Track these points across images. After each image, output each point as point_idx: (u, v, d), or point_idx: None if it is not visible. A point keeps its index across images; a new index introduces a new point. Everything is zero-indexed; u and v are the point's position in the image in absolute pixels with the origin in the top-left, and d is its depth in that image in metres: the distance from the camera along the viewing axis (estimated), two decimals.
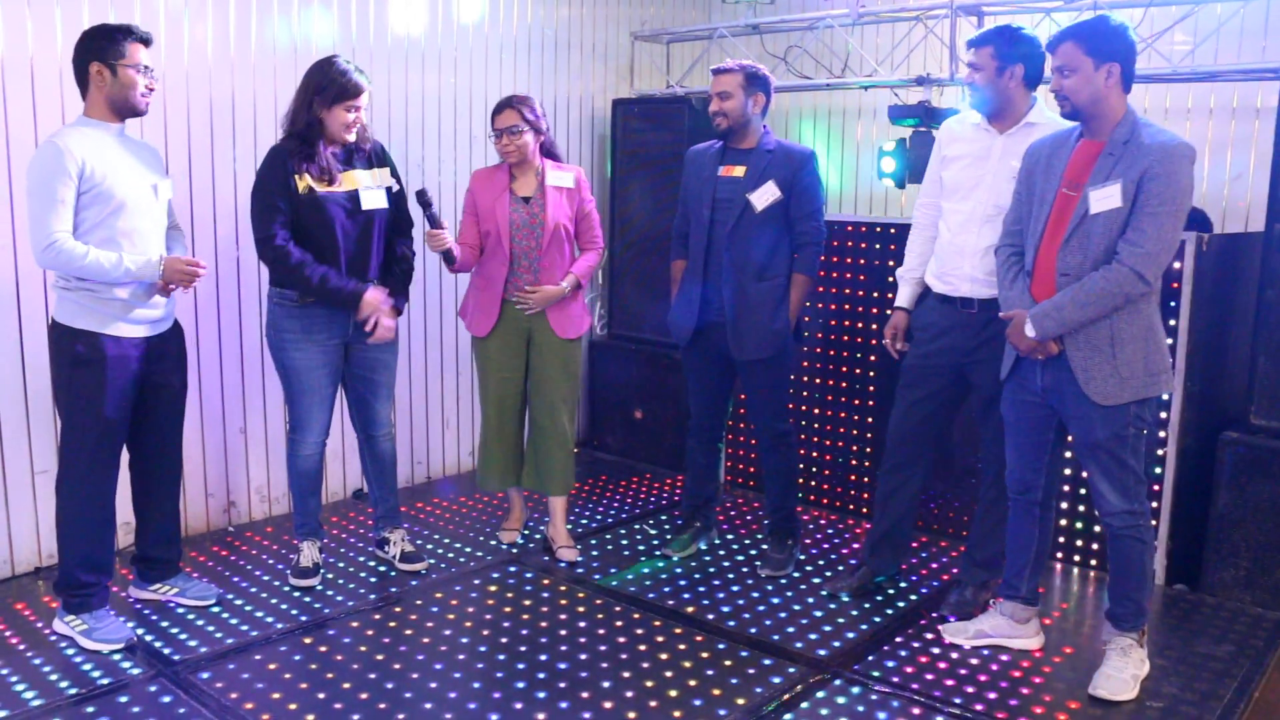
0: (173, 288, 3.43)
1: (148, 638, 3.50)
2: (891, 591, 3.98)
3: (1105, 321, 3.07)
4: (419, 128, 5.07)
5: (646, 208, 5.64)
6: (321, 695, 3.15)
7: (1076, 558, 4.26)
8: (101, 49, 3.30)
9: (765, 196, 3.92)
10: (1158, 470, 4.00)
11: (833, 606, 3.85)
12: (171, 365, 3.58)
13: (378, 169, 3.88)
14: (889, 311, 3.95)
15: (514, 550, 4.37)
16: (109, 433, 3.41)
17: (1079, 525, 4.25)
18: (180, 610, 3.71)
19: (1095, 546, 4.20)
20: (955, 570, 4.18)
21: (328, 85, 3.69)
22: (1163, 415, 3.97)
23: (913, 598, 3.94)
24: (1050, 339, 3.13)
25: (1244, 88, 4.85)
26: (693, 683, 3.27)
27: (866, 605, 3.86)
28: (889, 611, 3.82)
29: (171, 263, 3.39)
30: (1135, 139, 3.02)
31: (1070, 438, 3.36)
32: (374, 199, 3.81)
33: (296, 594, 3.88)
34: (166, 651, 3.41)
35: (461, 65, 5.22)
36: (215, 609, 3.73)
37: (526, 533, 4.53)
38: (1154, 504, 4.02)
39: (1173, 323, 3.89)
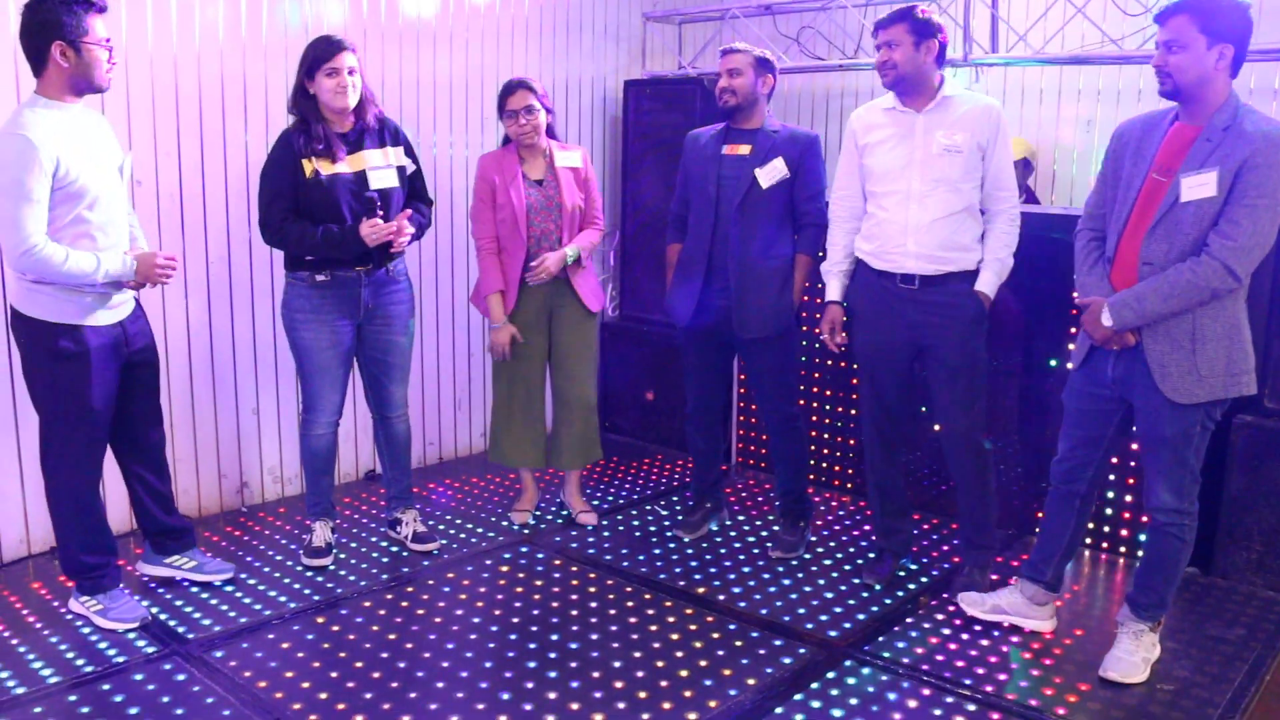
0: (149, 285, 3.40)
1: (162, 616, 3.53)
2: (903, 574, 3.98)
3: (1187, 316, 2.95)
4: (430, 109, 5.06)
5: (658, 189, 5.62)
6: (334, 674, 3.17)
7: (1090, 540, 4.24)
8: (62, 25, 3.08)
9: (773, 173, 3.92)
10: None
11: (843, 588, 3.86)
12: (146, 341, 3.55)
13: (391, 148, 3.86)
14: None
15: (525, 531, 4.38)
16: (97, 423, 3.38)
17: (1103, 512, 4.20)
18: (194, 589, 3.74)
19: (1111, 530, 4.19)
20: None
21: (305, 56, 3.69)
22: None
23: (923, 580, 3.95)
24: (1128, 329, 3.04)
25: (1261, 68, 4.79)
26: (703, 663, 3.28)
27: (877, 587, 3.87)
28: (900, 593, 3.82)
29: (145, 260, 3.34)
30: (1236, 125, 2.86)
31: (1135, 430, 3.25)
32: (383, 179, 3.79)
33: (309, 574, 3.90)
34: (180, 630, 3.44)
35: (473, 46, 5.21)
36: (229, 588, 3.75)
37: (538, 513, 4.54)
38: None
39: None
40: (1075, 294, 3.28)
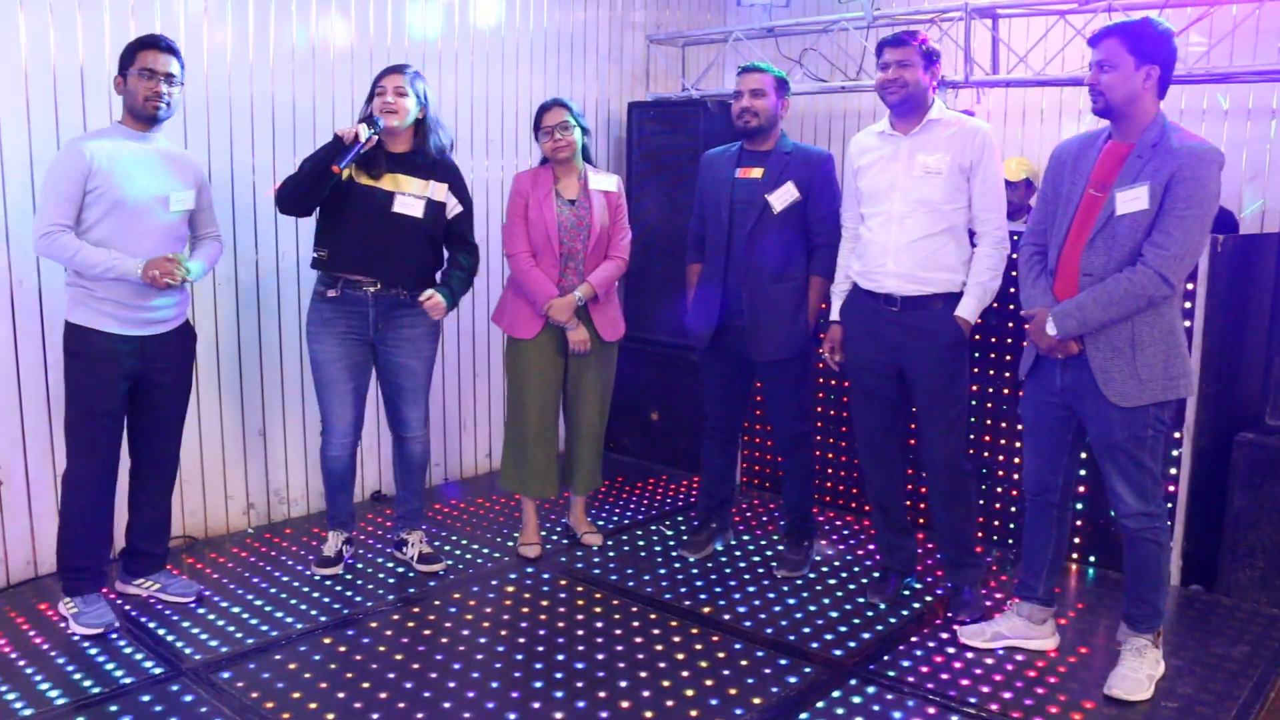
0: (165, 282, 3.47)
1: (168, 637, 3.54)
2: (907, 593, 3.99)
3: (1126, 323, 3.07)
4: None
5: (662, 210, 5.66)
6: (341, 694, 3.18)
7: (1093, 558, 4.26)
8: (122, 60, 3.51)
9: (784, 197, 3.94)
10: (1173, 471, 4.00)
11: (848, 607, 3.87)
12: (168, 365, 3.66)
13: (436, 183, 3.90)
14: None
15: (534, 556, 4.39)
16: (97, 424, 3.53)
17: (1095, 526, 4.24)
18: (200, 610, 3.76)
19: (1111, 547, 4.20)
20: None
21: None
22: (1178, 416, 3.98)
23: (928, 598, 3.95)
24: (1071, 338, 3.14)
25: (1259, 89, 4.84)
26: (709, 682, 3.28)
27: (882, 606, 3.87)
28: (904, 612, 3.83)
29: (151, 261, 3.47)
30: (1164, 142, 3.03)
31: (1088, 439, 3.35)
32: (407, 205, 3.84)
33: (315, 594, 3.91)
34: (187, 651, 3.45)
35: (478, 69, 5.25)
36: (236, 609, 3.77)
37: (543, 533, 4.55)
38: (1170, 505, 4.02)
39: (1187, 324, 3.88)
40: (1021, 307, 3.36)
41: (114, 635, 3.53)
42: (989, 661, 3.44)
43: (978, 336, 4.29)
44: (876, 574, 4.07)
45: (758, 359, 4.04)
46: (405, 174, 3.85)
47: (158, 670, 3.32)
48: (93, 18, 3.93)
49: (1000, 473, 4.45)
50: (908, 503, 4.09)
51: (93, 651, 3.43)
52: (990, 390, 4.39)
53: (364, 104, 3.91)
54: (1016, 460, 4.43)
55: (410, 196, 3.84)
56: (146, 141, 3.54)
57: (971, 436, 4.43)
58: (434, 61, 5.06)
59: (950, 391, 3.70)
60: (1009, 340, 4.30)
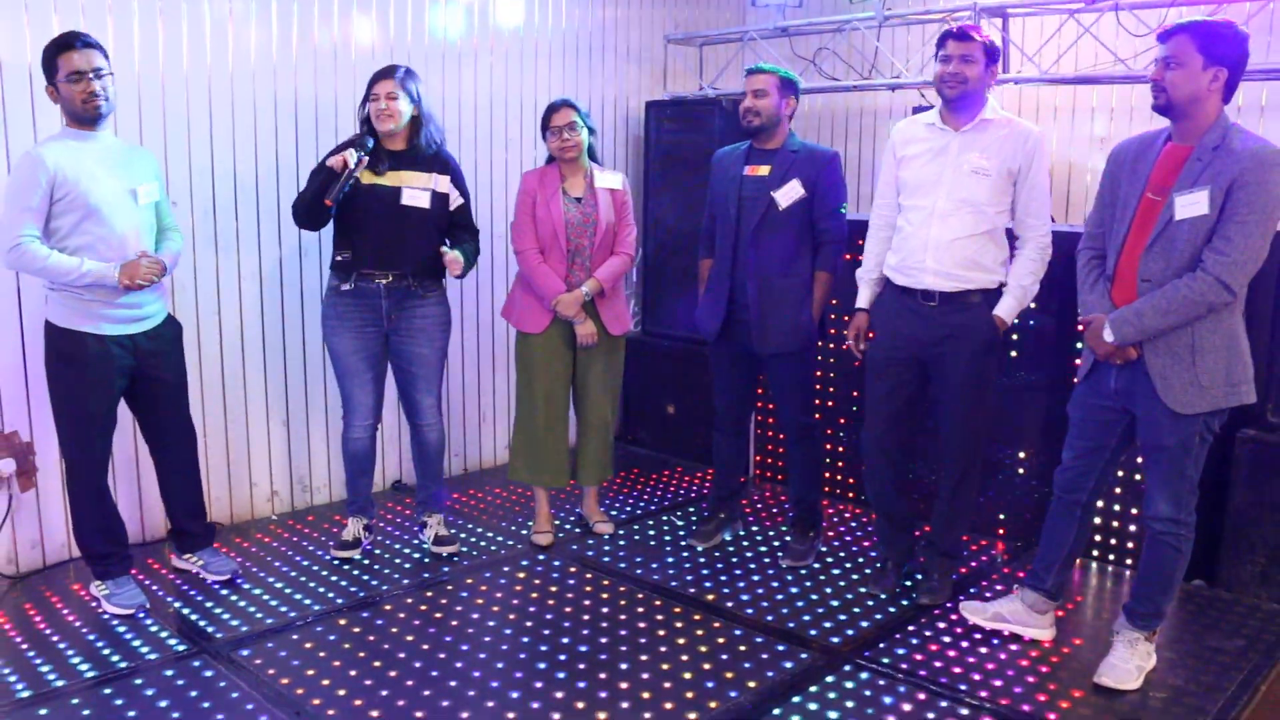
0: (140, 284, 3.56)
1: (193, 617, 3.70)
2: (908, 583, 4.07)
3: (1187, 329, 3.04)
4: (455, 128, 5.22)
5: (679, 208, 5.75)
6: (353, 672, 3.31)
7: (1096, 552, 4.31)
8: (46, 70, 3.48)
9: (789, 194, 4.03)
10: None
11: (850, 597, 3.95)
12: (162, 361, 3.78)
13: (438, 175, 4.06)
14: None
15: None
16: (94, 424, 3.67)
17: (1104, 522, 4.29)
18: (223, 591, 3.92)
19: (1114, 542, 4.26)
20: (976, 564, 4.28)
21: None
22: None
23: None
24: (1129, 344, 3.13)
25: (1272, 86, 4.85)
26: (707, 666, 3.39)
27: (883, 596, 3.96)
28: (904, 602, 3.91)
29: (129, 265, 3.54)
30: (1226, 145, 2.97)
31: (1138, 443, 3.31)
32: (414, 198, 4.00)
33: (333, 578, 4.06)
34: (210, 630, 3.60)
35: (498, 68, 5.37)
36: (257, 591, 3.93)
37: (556, 522, 4.67)
38: None
39: None
40: (1079, 312, 3.37)
41: (142, 614, 3.69)
42: (983, 650, 3.52)
43: (1015, 336, 4.36)
44: (879, 564, 4.15)
45: (762, 352, 4.13)
46: (408, 169, 4.01)
47: (181, 647, 3.47)
48: (123, 20, 4.09)
49: (1021, 469, 4.51)
50: (913, 495, 4.14)
51: (121, 629, 3.60)
52: (1002, 383, 4.44)
53: (359, 106, 4.05)
54: (1022, 455, 4.50)
55: (416, 189, 4.00)
56: (98, 141, 3.55)
57: None
58: (454, 60, 5.18)
59: (979, 388, 3.72)
60: (1014, 336, 4.36)
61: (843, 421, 5.04)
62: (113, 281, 3.51)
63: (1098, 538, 4.31)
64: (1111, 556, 4.28)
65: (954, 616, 3.75)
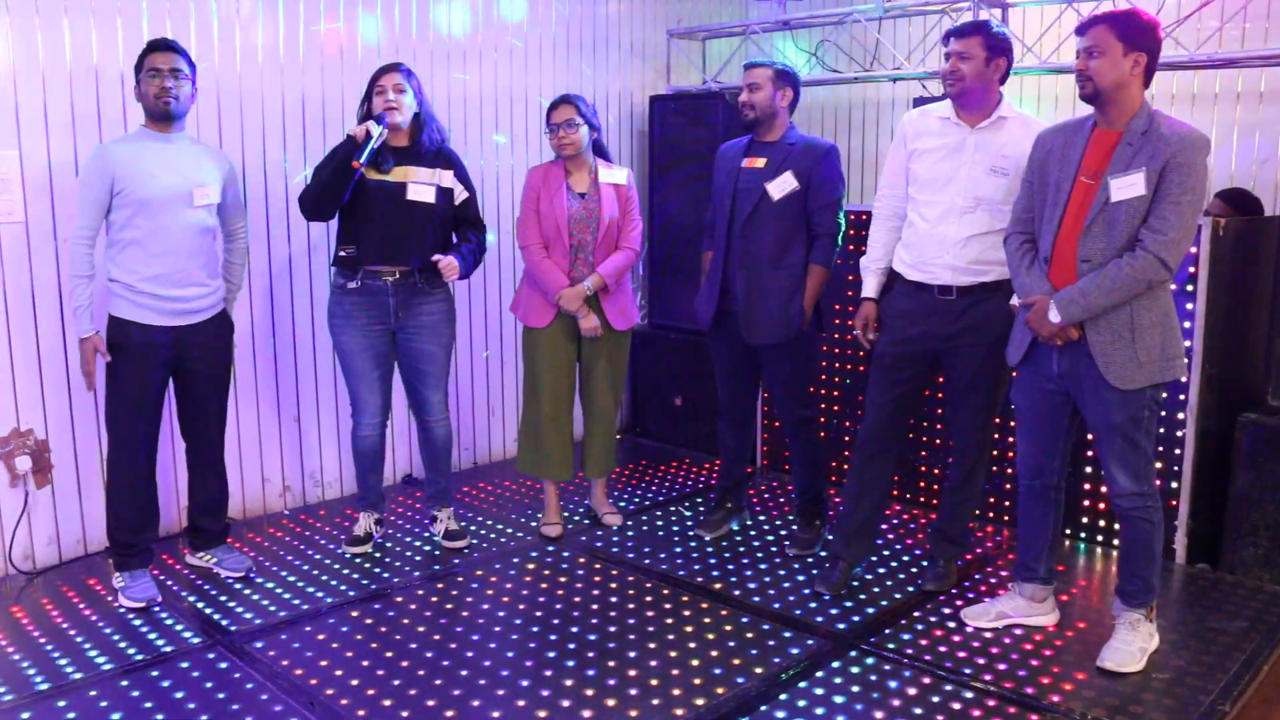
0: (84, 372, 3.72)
1: (207, 610, 3.76)
2: (915, 570, 4.10)
3: (1125, 308, 3.15)
4: (460, 123, 5.27)
5: (683, 201, 5.79)
6: (365, 663, 3.37)
7: (1097, 536, 4.35)
8: (136, 68, 3.69)
9: (782, 186, 4.06)
10: (1177, 452, 4.09)
11: (855, 584, 3.99)
12: (203, 354, 3.85)
13: (442, 170, 4.10)
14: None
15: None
16: (136, 411, 3.76)
17: (1096, 503, 4.33)
18: (237, 585, 3.97)
19: (1116, 526, 4.27)
20: (975, 552, 4.32)
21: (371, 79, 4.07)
22: (1181, 398, 4.06)
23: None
24: (1074, 323, 3.21)
25: (1271, 72, 4.87)
26: (714, 653, 3.43)
27: (889, 582, 4.00)
28: (910, 589, 3.95)
29: (84, 346, 3.68)
30: (1154, 129, 3.11)
31: (1085, 422, 3.41)
32: (419, 192, 4.04)
33: (345, 571, 4.11)
34: (224, 623, 3.66)
35: (502, 63, 5.42)
36: (270, 584, 3.98)
37: (565, 514, 4.72)
38: (1174, 484, 4.11)
39: (1190, 306, 3.97)
40: (1017, 295, 3.42)
41: (157, 608, 3.75)
42: (987, 635, 3.55)
43: None
44: (826, 563, 4.07)
45: (750, 342, 4.16)
46: (412, 165, 4.05)
47: (196, 640, 3.53)
48: (132, 20, 4.14)
49: (1011, 456, 4.55)
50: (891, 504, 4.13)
51: (137, 623, 3.65)
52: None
53: (360, 103, 4.08)
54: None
55: (421, 184, 4.04)
56: (170, 142, 3.70)
57: None
58: (459, 56, 5.23)
59: (993, 378, 3.73)
60: None
61: (850, 412, 5.07)
62: (77, 333, 3.68)
63: (1101, 522, 4.35)
64: (1115, 541, 4.29)
65: (959, 603, 3.79)
